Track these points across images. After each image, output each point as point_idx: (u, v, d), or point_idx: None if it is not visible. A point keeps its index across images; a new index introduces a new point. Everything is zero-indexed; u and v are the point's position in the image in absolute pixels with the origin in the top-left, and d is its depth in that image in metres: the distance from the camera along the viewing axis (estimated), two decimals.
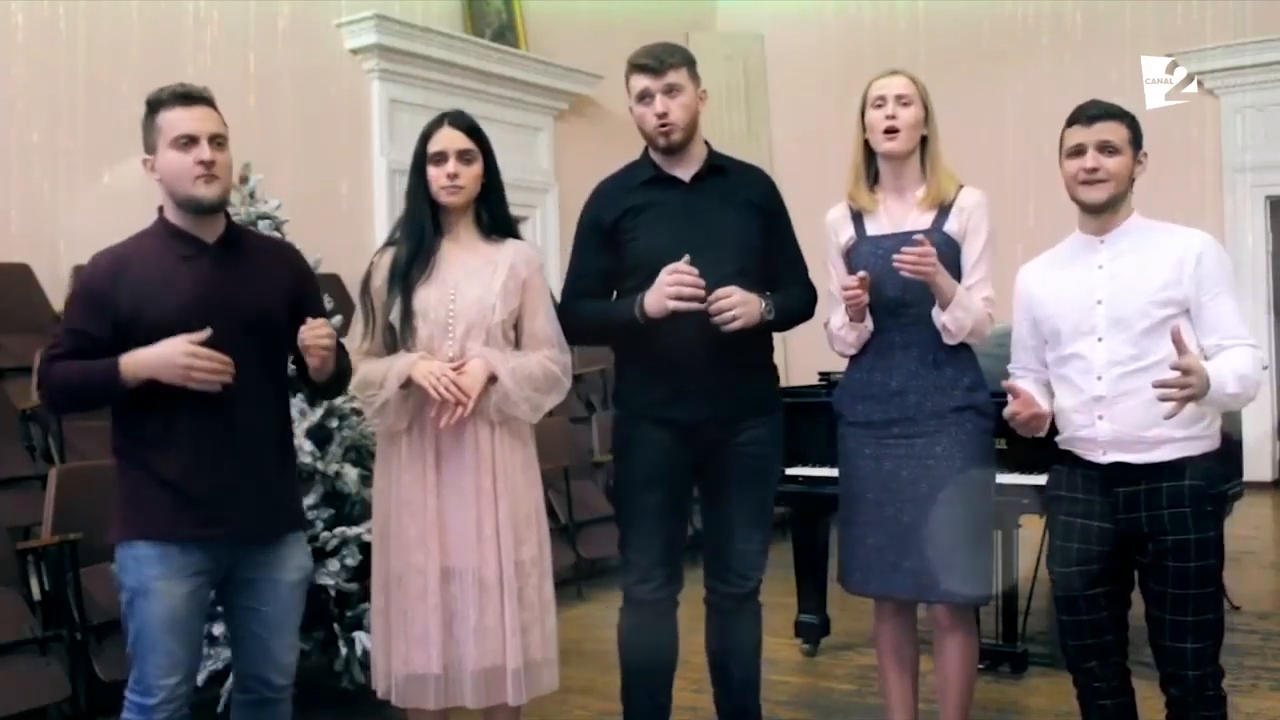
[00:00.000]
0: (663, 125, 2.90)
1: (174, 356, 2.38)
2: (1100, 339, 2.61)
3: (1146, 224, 2.68)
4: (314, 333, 2.52)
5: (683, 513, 3.06)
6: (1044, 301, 2.72)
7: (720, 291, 2.79)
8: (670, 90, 2.90)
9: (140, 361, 2.40)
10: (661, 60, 2.90)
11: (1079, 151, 2.64)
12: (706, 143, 3.05)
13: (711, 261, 2.81)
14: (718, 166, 3.02)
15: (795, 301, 3.02)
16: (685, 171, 2.99)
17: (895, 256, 2.77)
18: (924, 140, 2.94)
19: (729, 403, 2.92)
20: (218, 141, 2.52)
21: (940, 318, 2.86)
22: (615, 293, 3.00)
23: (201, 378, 2.39)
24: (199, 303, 2.48)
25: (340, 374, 2.71)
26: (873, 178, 3.00)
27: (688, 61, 2.94)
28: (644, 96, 2.92)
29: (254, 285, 2.59)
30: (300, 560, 2.69)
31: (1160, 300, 2.56)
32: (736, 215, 2.96)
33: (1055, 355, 2.71)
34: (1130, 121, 2.66)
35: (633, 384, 3.03)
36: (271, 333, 2.58)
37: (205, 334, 2.40)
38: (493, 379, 2.76)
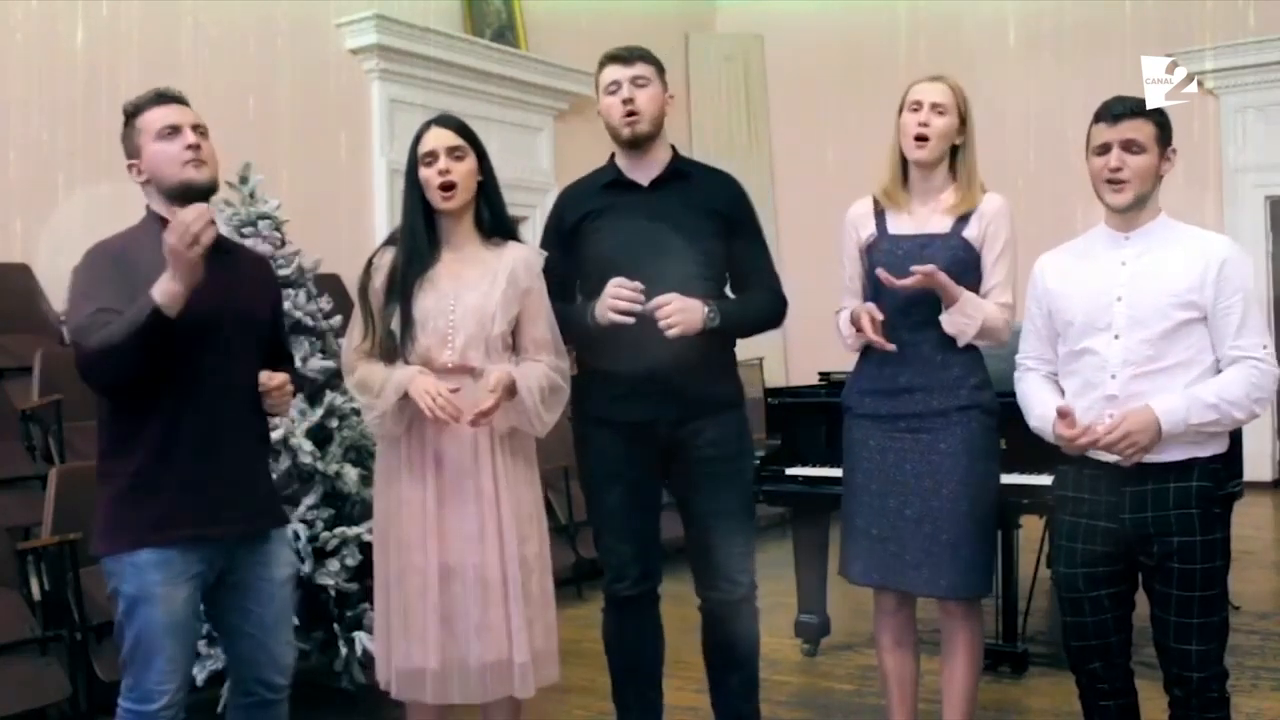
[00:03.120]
0: (629, 115, 2.94)
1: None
2: (1117, 336, 2.57)
3: (1174, 225, 2.64)
4: (280, 390, 2.56)
5: (651, 507, 3.06)
6: (1061, 294, 2.69)
7: (656, 300, 2.82)
8: (638, 81, 2.96)
9: (165, 290, 2.27)
10: (631, 52, 2.99)
11: (1104, 150, 2.59)
12: (673, 147, 3.07)
13: (663, 266, 2.84)
14: (680, 171, 3.04)
15: (755, 309, 3.04)
16: (646, 175, 3.01)
17: (902, 281, 2.80)
18: (955, 148, 2.95)
19: (675, 404, 2.93)
20: (200, 130, 2.54)
21: (942, 320, 2.87)
22: (578, 295, 3.03)
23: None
24: (207, 300, 2.46)
25: None
26: (904, 177, 3.01)
27: (657, 64, 3.02)
28: (613, 86, 2.97)
29: (247, 288, 2.62)
30: (287, 556, 2.72)
31: (1180, 303, 2.53)
32: (694, 220, 2.97)
33: (1066, 350, 2.68)
34: (1158, 118, 2.59)
35: (584, 385, 3.04)
36: (261, 335, 2.65)
37: None
38: (512, 393, 2.74)
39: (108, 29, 6.09)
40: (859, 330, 2.89)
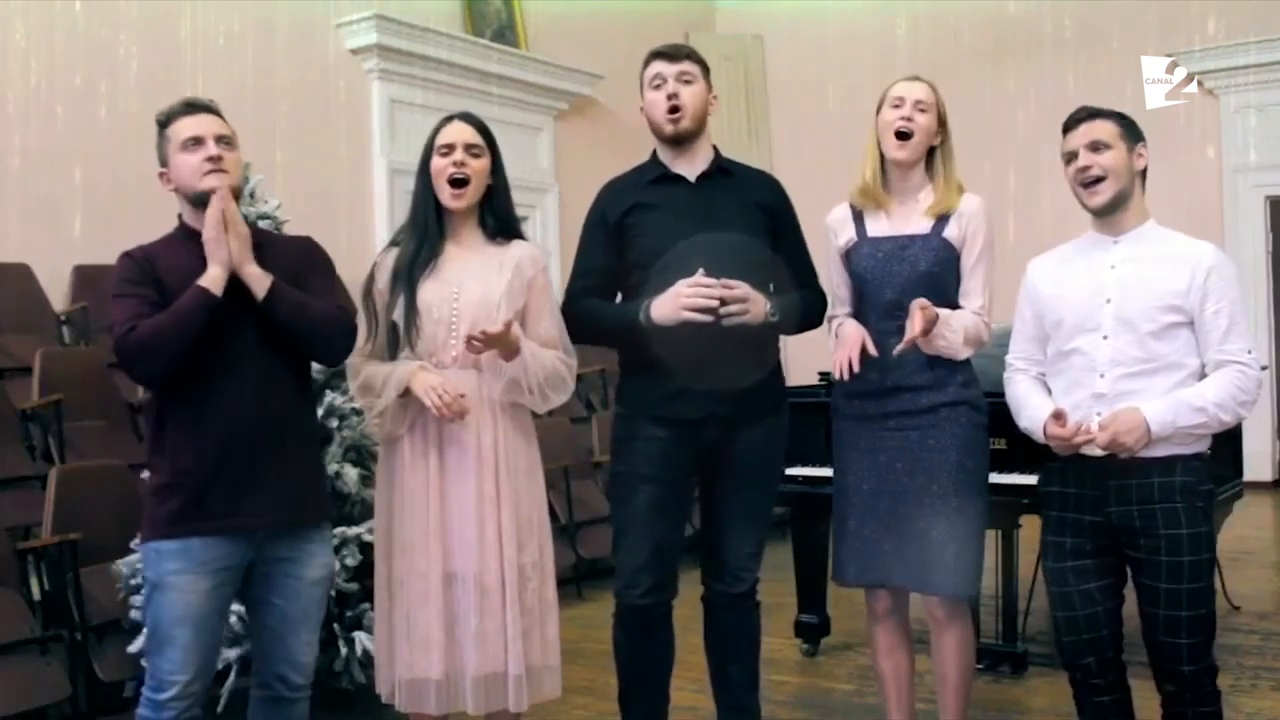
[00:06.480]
0: (673, 110, 2.92)
1: None
2: (1105, 337, 2.63)
3: (1162, 232, 2.70)
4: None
5: (678, 517, 3.02)
6: (1051, 296, 2.75)
7: (729, 282, 2.78)
8: (683, 76, 2.94)
9: (208, 277, 2.48)
10: (679, 49, 2.99)
11: (1073, 156, 2.69)
12: (715, 147, 3.06)
13: (717, 259, 2.80)
14: (724, 168, 3.03)
15: (805, 309, 3.01)
16: (692, 170, 2.99)
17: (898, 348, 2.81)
18: (932, 149, 2.96)
19: (730, 401, 2.90)
20: (225, 141, 2.59)
21: (922, 345, 2.86)
22: (619, 291, 3.00)
23: None
24: (228, 297, 2.51)
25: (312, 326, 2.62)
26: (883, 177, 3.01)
27: (704, 63, 3.01)
28: (657, 81, 2.95)
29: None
30: (324, 558, 2.69)
31: (1166, 306, 2.59)
32: (743, 215, 2.96)
33: (1055, 349, 2.73)
34: (1118, 118, 2.69)
35: (635, 380, 3.01)
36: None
37: None
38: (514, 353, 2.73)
39: (108, 29, 6.08)
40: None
